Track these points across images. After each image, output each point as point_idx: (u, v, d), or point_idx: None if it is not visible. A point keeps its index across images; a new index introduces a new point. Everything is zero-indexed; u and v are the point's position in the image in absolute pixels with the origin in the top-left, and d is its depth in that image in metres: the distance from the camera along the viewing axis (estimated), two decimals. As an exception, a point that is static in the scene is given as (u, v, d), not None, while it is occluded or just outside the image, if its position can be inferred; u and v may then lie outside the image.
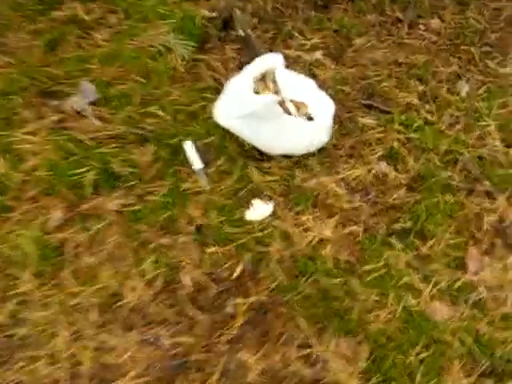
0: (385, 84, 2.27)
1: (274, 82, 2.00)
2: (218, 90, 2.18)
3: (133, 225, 1.90)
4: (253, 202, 1.94)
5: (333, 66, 2.33)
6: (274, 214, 1.94)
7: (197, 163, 1.99)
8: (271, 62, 1.96)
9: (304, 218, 1.95)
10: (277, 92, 2.00)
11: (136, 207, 1.92)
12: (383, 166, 2.08)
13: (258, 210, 1.92)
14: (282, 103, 1.90)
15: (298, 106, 1.98)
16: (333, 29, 2.46)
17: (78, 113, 2.11)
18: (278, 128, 1.96)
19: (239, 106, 1.94)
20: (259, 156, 2.06)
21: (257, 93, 1.98)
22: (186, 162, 2.01)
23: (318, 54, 2.36)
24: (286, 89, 1.95)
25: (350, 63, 2.35)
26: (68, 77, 2.19)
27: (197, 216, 1.90)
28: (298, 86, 2.05)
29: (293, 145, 2.01)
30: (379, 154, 2.10)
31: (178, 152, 2.03)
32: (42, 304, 1.76)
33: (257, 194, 1.97)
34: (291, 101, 1.94)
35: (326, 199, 1.99)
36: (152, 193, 1.95)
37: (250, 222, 1.91)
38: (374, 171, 2.07)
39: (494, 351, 1.77)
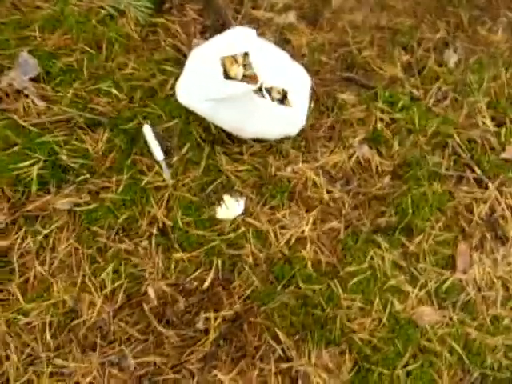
0: (366, 53, 2.04)
1: (244, 56, 1.74)
2: (178, 61, 1.92)
3: (87, 227, 1.67)
4: (224, 197, 1.73)
5: (308, 31, 2.07)
6: (246, 211, 1.73)
7: (158, 152, 1.75)
8: (242, 37, 1.68)
9: (280, 214, 1.75)
10: (246, 66, 1.75)
11: (90, 206, 1.68)
12: (365, 151, 1.89)
13: (230, 208, 1.71)
14: (256, 91, 1.65)
15: (273, 91, 1.73)
16: (307, -14, 2.17)
17: (18, 91, 1.81)
18: (249, 110, 1.72)
19: (205, 90, 1.69)
20: (228, 140, 1.83)
21: (224, 68, 1.71)
22: (145, 151, 1.76)
23: (291, 16, 2.09)
24: (258, 67, 1.69)
25: (327, 27, 2.10)
26: (4, 46, 1.87)
27: (160, 216, 1.69)
28: (271, 61, 1.79)
29: (265, 129, 1.78)
30: (361, 136, 1.90)
31: (135, 139, 1.78)
32: (-13, 324, 1.55)
33: (227, 188, 1.75)
34: (266, 89, 1.68)
35: (303, 191, 1.80)
36: (108, 188, 1.71)
37: (221, 222, 1.70)
38: (355, 156, 1.87)
39: (485, 359, 1.66)
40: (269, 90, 1.71)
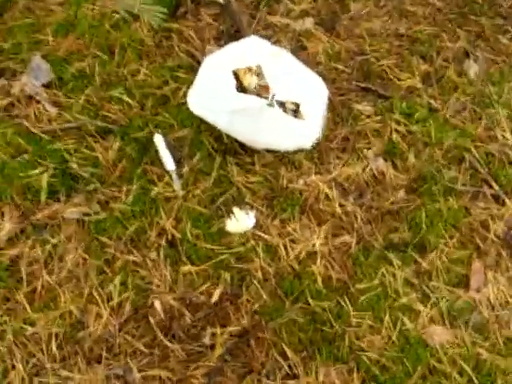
0: (384, 62, 1.99)
1: (257, 66, 1.72)
2: (192, 68, 1.89)
3: (96, 237, 1.66)
4: (234, 210, 1.70)
5: (325, 38, 2.04)
6: (256, 224, 1.71)
7: (169, 162, 1.73)
8: (256, 48, 1.65)
9: (290, 228, 1.73)
10: (259, 76, 1.72)
11: (99, 216, 1.67)
12: (380, 163, 1.85)
13: (239, 221, 1.69)
14: (270, 104, 1.62)
15: (287, 103, 1.70)
16: (325, -9, 2.13)
17: (30, 97, 1.80)
18: (261, 122, 1.70)
19: (218, 100, 1.67)
20: (240, 150, 1.80)
21: (237, 79, 1.69)
22: (156, 161, 1.75)
23: (309, 23, 2.06)
24: (271, 79, 1.66)
25: (344, 34, 2.06)
26: (16, 50, 1.86)
27: (169, 227, 1.67)
28: (286, 72, 1.76)
29: (278, 142, 1.75)
30: (376, 148, 1.86)
31: (146, 148, 1.76)
32: (-7, 334, 1.55)
33: (238, 200, 1.73)
34: (280, 102, 1.65)
35: (315, 204, 1.77)
36: (117, 199, 1.70)
37: (230, 235, 1.68)
38: (369, 169, 1.83)
39: (496, 381, 1.62)
40: (282, 102, 1.68)
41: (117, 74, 1.86)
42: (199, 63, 1.85)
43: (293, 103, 1.74)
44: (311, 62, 1.94)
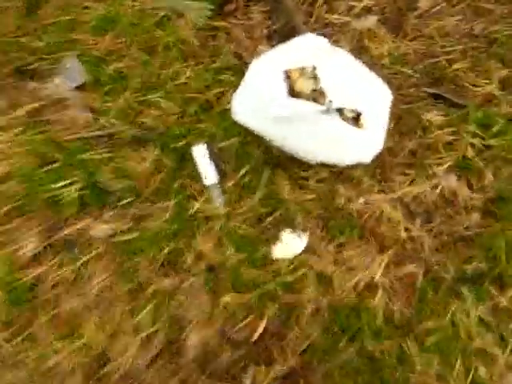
0: (457, 65, 1.75)
1: (313, 69, 1.50)
2: (239, 71, 1.69)
3: (127, 259, 1.48)
4: (282, 232, 1.50)
5: (390, 38, 1.80)
6: (308, 249, 1.49)
7: (210, 176, 1.54)
8: (312, 47, 1.44)
9: (347, 254, 1.51)
10: (314, 80, 1.50)
11: (131, 235, 1.50)
12: (452, 181, 1.61)
13: (289, 244, 1.48)
14: (327, 111, 1.40)
15: (345, 110, 1.47)
16: (391, -14, 1.90)
17: (61, 101, 1.64)
18: (316, 132, 1.48)
19: (266, 107, 1.46)
20: (291, 164, 1.60)
21: (289, 82, 1.48)
22: (196, 174, 1.56)
23: (371, 21, 1.83)
24: (328, 82, 1.45)
25: (412, 34, 1.82)
26: (50, 50, 1.71)
27: (208, 251, 1.48)
28: (345, 75, 1.53)
29: (335, 154, 1.53)
30: (447, 163, 1.62)
31: (185, 159, 1.59)
32: (13, 363, 1.39)
33: (288, 220, 1.52)
34: (337, 109, 1.43)
35: (376, 227, 1.54)
36: (152, 216, 1.52)
37: (277, 261, 1.47)
38: (439, 188, 1.59)
39: None
40: (340, 109, 1.46)
41: (157, 77, 1.69)
42: (247, 65, 1.65)
43: (352, 111, 1.51)
44: (374, 65, 1.71)
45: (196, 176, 1.56)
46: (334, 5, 1.86)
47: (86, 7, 1.76)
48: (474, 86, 1.72)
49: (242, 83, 1.57)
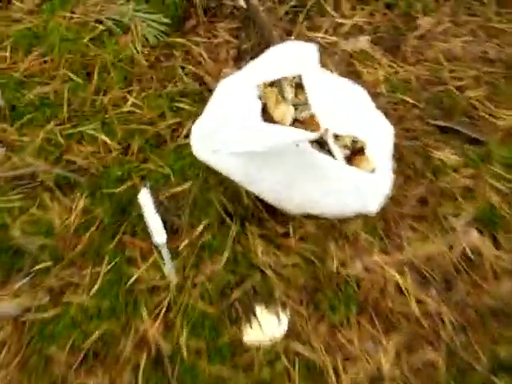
0: (470, 93, 1.45)
1: (295, 87, 1.15)
2: (201, 97, 1.35)
3: (39, 348, 1.08)
4: (256, 309, 1.11)
5: (386, 61, 1.52)
6: (290, 332, 1.11)
7: (159, 232, 1.14)
8: (294, 57, 1.09)
9: (343, 338, 1.14)
10: (298, 105, 1.15)
11: (48, 313, 1.11)
12: (474, 238, 1.28)
13: (265, 326, 1.10)
14: (318, 142, 1.04)
15: (340, 142, 1.12)
16: (385, 1, 1.61)
17: (-35, 134, 1.27)
18: (301, 171, 1.13)
19: (235, 139, 1.09)
20: (267, 215, 1.23)
21: (264, 105, 1.12)
22: (139, 229, 1.18)
23: (363, 42, 1.52)
24: (317, 105, 1.10)
25: (413, 57, 1.54)
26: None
27: (153, 337, 1.08)
28: (336, 97, 1.18)
29: (328, 203, 1.16)
30: (467, 215, 1.29)
31: (126, 210, 1.22)
32: None
33: (262, 293, 1.15)
34: (335, 136, 1.07)
35: (380, 299, 1.19)
36: (77, 287, 1.13)
37: (250, 351, 1.08)
38: (459, 247, 1.24)
39: None
40: (336, 137, 1.11)
41: (93, 104, 1.33)
42: (211, 92, 1.30)
43: (354, 141, 1.16)
44: (368, 93, 1.37)
45: (140, 233, 1.18)
46: (318, 21, 1.56)
47: (14, 20, 1.41)
48: (494, 117, 1.43)
49: (206, 110, 1.21)
